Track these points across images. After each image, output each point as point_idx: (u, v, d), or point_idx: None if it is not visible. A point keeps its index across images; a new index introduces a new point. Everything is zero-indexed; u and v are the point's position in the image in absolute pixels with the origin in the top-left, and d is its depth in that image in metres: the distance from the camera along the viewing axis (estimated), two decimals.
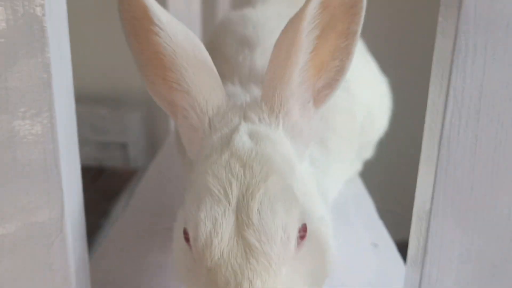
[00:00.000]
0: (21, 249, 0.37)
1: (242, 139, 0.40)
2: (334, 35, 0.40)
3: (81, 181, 0.41)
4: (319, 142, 0.52)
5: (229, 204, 0.36)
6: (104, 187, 1.83)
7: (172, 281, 0.51)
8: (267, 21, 0.59)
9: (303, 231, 0.38)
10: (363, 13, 0.39)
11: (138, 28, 0.43)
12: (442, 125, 0.36)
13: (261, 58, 0.53)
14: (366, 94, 0.65)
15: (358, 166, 0.80)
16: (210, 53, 0.44)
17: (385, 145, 0.81)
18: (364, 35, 0.76)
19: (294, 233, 0.37)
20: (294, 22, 0.38)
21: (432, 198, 0.37)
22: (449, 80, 0.35)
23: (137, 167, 2.30)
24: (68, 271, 0.39)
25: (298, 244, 0.37)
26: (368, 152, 0.79)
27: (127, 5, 0.42)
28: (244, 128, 0.41)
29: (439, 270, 0.39)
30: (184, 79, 0.42)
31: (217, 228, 0.36)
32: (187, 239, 0.38)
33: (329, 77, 0.42)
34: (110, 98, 2.15)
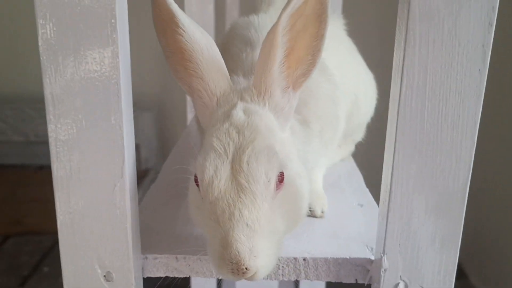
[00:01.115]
0: (95, 190, 0.51)
1: (238, 114, 0.53)
2: (307, 36, 0.53)
3: (134, 144, 0.54)
4: (303, 122, 0.64)
5: (226, 157, 0.50)
6: None
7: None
8: (266, 25, 0.71)
9: (281, 176, 0.51)
10: (328, 21, 0.52)
11: (166, 28, 0.56)
12: (399, 96, 0.49)
13: None
14: (351, 85, 0.78)
15: (351, 148, 0.94)
16: (221, 52, 0.57)
17: (372, 130, 0.94)
18: (355, 39, 0.89)
19: (273, 177, 0.50)
20: (273, 28, 0.51)
21: (394, 153, 0.51)
22: (403, 62, 0.48)
23: (149, 167, 2.42)
24: (125, 207, 0.52)
25: (278, 187, 0.51)
26: (359, 135, 0.92)
27: (158, 10, 0.55)
28: (240, 105, 0.54)
29: (400, 216, 0.52)
30: (199, 68, 0.56)
31: (217, 172, 0.50)
32: (196, 181, 0.52)
33: (304, 68, 0.54)
34: None
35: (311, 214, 0.67)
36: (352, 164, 0.90)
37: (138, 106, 2.35)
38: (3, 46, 2.43)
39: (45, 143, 0.50)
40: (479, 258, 1.84)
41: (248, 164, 0.49)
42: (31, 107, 2.41)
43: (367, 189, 0.79)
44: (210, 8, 1.18)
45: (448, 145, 0.50)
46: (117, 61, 0.48)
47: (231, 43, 0.71)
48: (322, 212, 0.68)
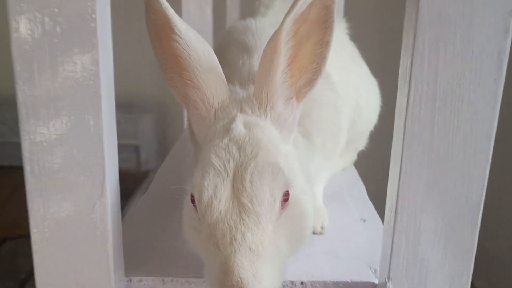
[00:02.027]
0: (73, 208, 0.47)
1: (238, 128, 0.49)
2: (311, 44, 0.49)
3: (117, 157, 0.50)
4: (305, 134, 0.60)
5: (227, 175, 0.46)
6: None
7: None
8: (265, 30, 0.67)
9: (286, 196, 0.47)
10: (334, 27, 0.47)
11: (161, 34, 0.51)
12: (406, 107, 0.44)
13: (258, 62, 0.61)
14: (354, 92, 0.74)
15: (353, 156, 0.89)
16: (217, 58, 0.53)
17: (375, 140, 0.90)
18: (358, 43, 0.85)
19: (279, 197, 0.46)
20: (275, 35, 0.47)
21: (400, 169, 0.46)
22: (411, 71, 0.44)
23: (149, 169, 2.39)
24: (106, 228, 0.47)
25: (282, 206, 0.46)
26: (361, 144, 0.88)
27: (153, 15, 0.51)
28: (240, 118, 0.50)
29: (407, 238, 0.48)
30: (196, 78, 0.51)
31: (216, 192, 0.45)
32: (193, 201, 0.47)
33: (308, 77, 0.50)
34: (123, 102, 2.23)
35: None
36: (354, 174, 0.86)
37: (138, 108, 2.32)
38: (0, 48, 2.40)
39: None
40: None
41: (251, 183, 0.45)
42: None
43: (369, 202, 0.74)
44: (208, 10, 1.14)
45: (459, 161, 0.45)
46: (97, 69, 0.43)
47: (227, 49, 0.67)
48: (322, 227, 0.64)
